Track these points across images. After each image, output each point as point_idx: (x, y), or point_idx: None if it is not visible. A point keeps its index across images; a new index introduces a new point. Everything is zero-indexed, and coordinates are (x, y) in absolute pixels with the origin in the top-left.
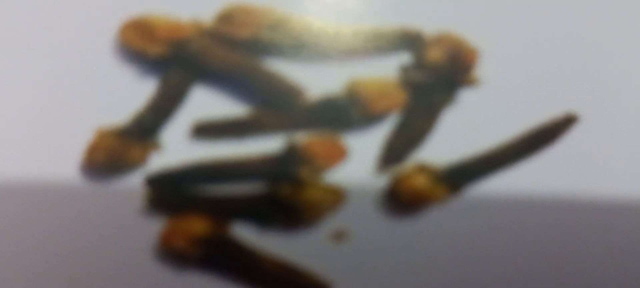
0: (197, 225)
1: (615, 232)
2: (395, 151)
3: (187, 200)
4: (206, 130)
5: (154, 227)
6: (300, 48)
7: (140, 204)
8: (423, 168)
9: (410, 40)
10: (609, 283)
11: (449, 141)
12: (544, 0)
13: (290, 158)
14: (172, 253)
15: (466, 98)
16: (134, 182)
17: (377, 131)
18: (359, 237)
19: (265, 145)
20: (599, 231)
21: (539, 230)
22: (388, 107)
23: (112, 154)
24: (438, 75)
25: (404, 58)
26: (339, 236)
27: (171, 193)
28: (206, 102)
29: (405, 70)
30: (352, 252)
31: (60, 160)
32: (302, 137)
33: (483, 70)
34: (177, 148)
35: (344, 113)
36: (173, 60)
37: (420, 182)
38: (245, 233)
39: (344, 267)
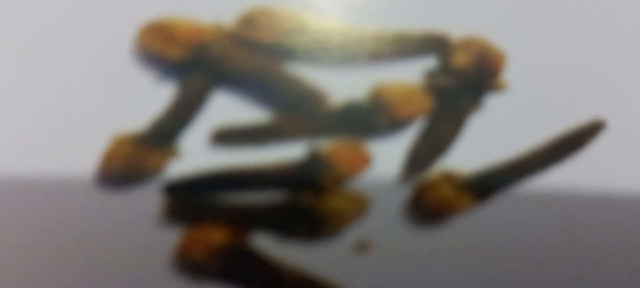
0: (216, 235)
1: None
2: (420, 158)
3: (206, 208)
4: (226, 137)
5: (171, 237)
6: (322, 52)
7: (157, 213)
8: (448, 176)
9: (435, 44)
10: None
11: (475, 148)
12: (572, 4)
13: (312, 166)
14: (190, 264)
15: (493, 103)
16: (152, 190)
17: (401, 138)
18: (382, 247)
19: (286, 152)
20: (631, 239)
21: (568, 240)
22: (413, 113)
23: (129, 161)
24: (464, 80)
25: (429, 62)
26: (362, 246)
27: (190, 201)
28: (227, 108)
29: (430, 75)
30: (375, 262)
31: (76, 167)
32: (325, 144)
33: (510, 75)
34: (196, 155)
35: (368, 119)
36: (193, 65)
37: (446, 190)
38: (265, 243)
39: (368, 278)
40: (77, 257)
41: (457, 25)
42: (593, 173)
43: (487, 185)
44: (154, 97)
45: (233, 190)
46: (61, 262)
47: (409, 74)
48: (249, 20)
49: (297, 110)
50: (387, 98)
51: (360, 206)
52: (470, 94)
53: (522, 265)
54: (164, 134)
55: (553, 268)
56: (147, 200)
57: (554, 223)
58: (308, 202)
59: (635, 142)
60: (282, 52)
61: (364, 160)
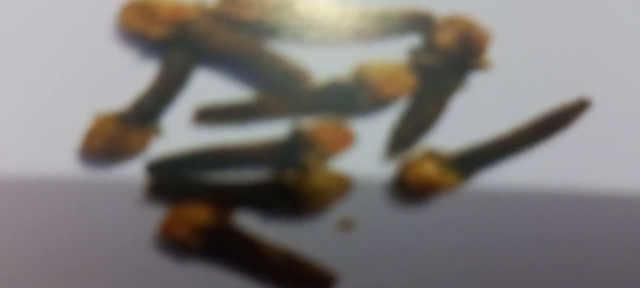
0: (199, 214)
1: (625, 220)
2: (403, 137)
3: (188, 187)
4: (209, 115)
5: (154, 216)
6: (306, 30)
7: (140, 192)
8: (432, 155)
9: (419, 23)
10: (618, 270)
11: (459, 126)
12: None
13: (295, 144)
14: (173, 243)
15: (477, 82)
16: (134, 169)
17: (385, 116)
18: (366, 225)
19: (269, 131)
20: (610, 218)
21: (551, 218)
22: (397, 92)
23: (111, 140)
24: (448, 59)
25: (413, 41)
26: (346, 225)
27: (172, 180)
28: (209, 86)
29: (414, 54)
30: (358, 241)
31: (58, 146)
32: (308, 123)
33: (494, 53)
34: (178, 133)
35: (351, 97)
36: (175, 42)
37: (429, 168)
38: (248, 221)
39: (351, 256)
40: (58, 235)
41: (441, 3)
42: (577, 150)
43: (471, 163)
44: (136, 75)
45: (216, 169)
46: (41, 239)
47: (393, 53)
48: None
49: (280, 89)
50: (371, 76)
51: (343, 185)
52: (455, 72)
53: (506, 243)
54: (146, 112)
55: (537, 246)
56: (130, 178)
57: (538, 201)
58: (291, 180)
59: (620, 120)
60: (265, 30)
61: (348, 139)
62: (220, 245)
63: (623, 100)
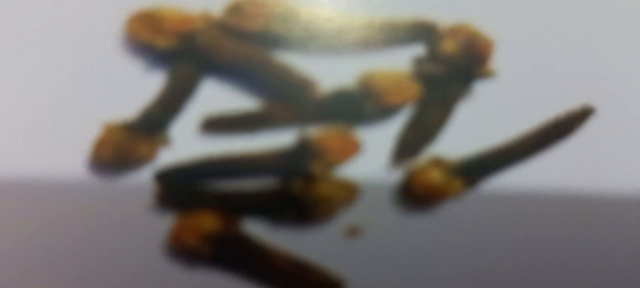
0: (208, 222)
1: (631, 226)
2: (409, 145)
3: (197, 196)
4: (216, 125)
5: (163, 224)
6: (311, 40)
7: (149, 201)
8: (438, 163)
9: (424, 32)
10: (624, 276)
11: (464, 134)
12: None
13: (302, 153)
14: (182, 251)
15: (481, 90)
16: (143, 178)
17: (391, 124)
18: (372, 232)
19: (276, 140)
20: (615, 225)
21: (556, 225)
22: (402, 100)
23: (119, 150)
24: (453, 67)
25: (417, 50)
26: (353, 232)
27: (181, 189)
28: (216, 96)
29: (419, 62)
30: (365, 248)
31: (67, 156)
32: (314, 131)
33: (499, 61)
34: (186, 143)
35: (357, 106)
36: (182, 53)
37: (435, 176)
38: (256, 229)
39: (358, 263)
40: (69, 245)
41: (445, 13)
42: (582, 157)
43: (476, 171)
44: (143, 85)
45: (223, 178)
46: (50, 248)
47: (398, 62)
48: (236, 9)
49: (286, 98)
50: (376, 85)
51: (350, 192)
52: (459, 80)
53: (512, 249)
54: (154, 122)
55: (544, 252)
56: (139, 188)
57: (544, 207)
58: (298, 188)
59: (623, 127)
60: (270, 40)
61: (354, 147)
62: (229, 253)
63: (627, 106)
